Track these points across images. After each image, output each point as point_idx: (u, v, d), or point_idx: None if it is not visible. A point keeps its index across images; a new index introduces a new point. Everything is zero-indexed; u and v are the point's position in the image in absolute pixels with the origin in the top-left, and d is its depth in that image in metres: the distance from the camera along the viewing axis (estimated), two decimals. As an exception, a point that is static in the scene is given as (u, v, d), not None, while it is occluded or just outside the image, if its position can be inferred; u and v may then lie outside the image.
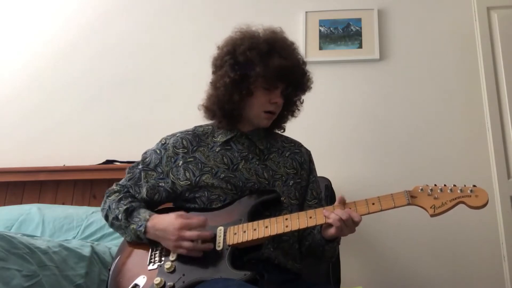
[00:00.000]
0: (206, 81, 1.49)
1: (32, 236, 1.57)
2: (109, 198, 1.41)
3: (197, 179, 1.37)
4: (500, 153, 2.28)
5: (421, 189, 1.22)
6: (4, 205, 2.43)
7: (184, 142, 1.44)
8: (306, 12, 2.70)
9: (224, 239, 1.24)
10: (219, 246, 1.24)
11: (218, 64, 1.44)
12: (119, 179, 1.48)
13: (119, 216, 1.33)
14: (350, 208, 1.22)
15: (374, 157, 2.44)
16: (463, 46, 2.55)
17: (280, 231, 1.23)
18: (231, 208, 1.33)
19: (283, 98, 1.44)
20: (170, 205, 1.47)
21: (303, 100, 1.54)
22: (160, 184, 1.41)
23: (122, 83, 2.75)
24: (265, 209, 1.34)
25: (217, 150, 1.43)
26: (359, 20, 2.67)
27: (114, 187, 1.45)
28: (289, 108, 1.51)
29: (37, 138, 2.68)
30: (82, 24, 2.91)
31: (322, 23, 2.69)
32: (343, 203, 1.24)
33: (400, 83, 2.55)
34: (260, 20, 1.48)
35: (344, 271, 2.05)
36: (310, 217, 1.23)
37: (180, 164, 1.40)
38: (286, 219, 1.25)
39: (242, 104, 1.41)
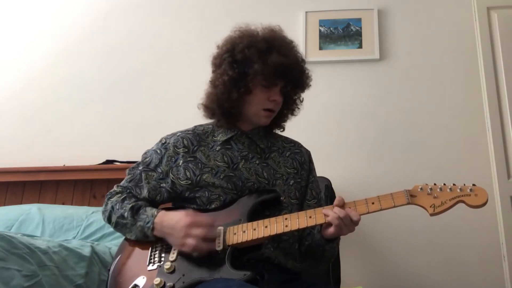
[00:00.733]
0: (206, 81, 1.49)
1: (32, 236, 1.57)
2: (111, 199, 1.40)
3: (198, 178, 1.37)
4: (500, 153, 2.28)
5: (421, 188, 1.22)
6: (4, 205, 2.43)
7: (185, 142, 1.44)
8: (306, 12, 2.71)
9: (224, 239, 1.24)
10: (219, 246, 1.23)
11: (217, 63, 1.44)
12: (119, 179, 1.48)
13: (125, 214, 1.33)
14: (350, 208, 1.22)
15: (374, 157, 2.44)
16: (463, 46, 2.55)
17: (280, 231, 1.23)
18: (230, 208, 1.33)
19: (282, 96, 1.44)
20: (169, 205, 1.47)
21: (303, 98, 1.54)
22: (161, 184, 1.41)
23: (122, 83, 2.76)
24: (264, 209, 1.34)
25: (217, 149, 1.43)
26: (359, 20, 2.67)
27: (115, 188, 1.44)
28: (289, 106, 1.50)
29: (37, 138, 2.69)
30: (82, 24, 2.92)
31: (322, 23, 2.69)
32: (342, 205, 1.24)
33: (400, 83, 2.55)
34: (260, 20, 1.48)
35: (344, 271, 2.05)
36: (310, 217, 1.23)
37: (180, 164, 1.40)
38: (286, 219, 1.24)
39: (241, 102, 1.41)
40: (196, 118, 1.52)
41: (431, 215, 1.19)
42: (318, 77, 1.59)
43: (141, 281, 1.23)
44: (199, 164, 1.39)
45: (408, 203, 1.20)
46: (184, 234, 1.22)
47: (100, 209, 1.43)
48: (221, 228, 1.27)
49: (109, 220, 1.39)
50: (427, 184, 1.22)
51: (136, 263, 1.30)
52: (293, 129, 1.58)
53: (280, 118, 1.51)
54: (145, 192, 1.40)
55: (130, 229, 1.34)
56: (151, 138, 1.55)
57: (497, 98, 2.37)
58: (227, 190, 1.36)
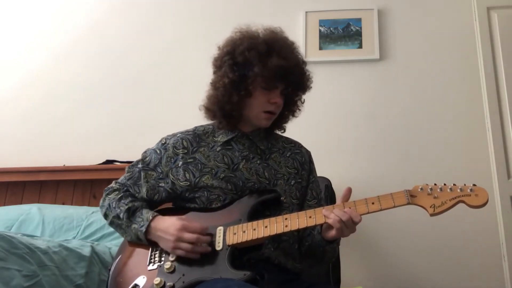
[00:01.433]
0: (206, 81, 1.49)
1: (32, 236, 1.57)
2: (109, 196, 1.41)
3: (197, 180, 1.37)
4: (500, 153, 2.28)
5: (421, 189, 1.22)
6: (4, 205, 2.43)
7: (184, 143, 1.44)
8: (306, 12, 2.70)
9: (224, 239, 1.24)
10: (218, 246, 1.23)
11: (218, 65, 1.44)
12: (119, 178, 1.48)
13: (121, 215, 1.33)
14: (350, 208, 1.22)
15: (374, 157, 2.44)
16: (463, 46, 2.55)
17: (280, 231, 1.23)
18: (230, 208, 1.33)
19: (283, 98, 1.44)
20: (169, 205, 1.47)
21: (304, 100, 1.54)
22: (160, 184, 1.41)
23: (122, 83, 2.76)
24: (265, 209, 1.33)
25: (217, 150, 1.43)
26: (359, 20, 2.67)
27: (113, 185, 1.45)
28: (290, 108, 1.50)
29: (37, 138, 2.69)
30: (82, 24, 2.92)
31: (322, 23, 2.69)
32: (348, 196, 1.24)
33: (400, 83, 2.55)
34: (260, 20, 1.48)
35: (344, 271, 2.05)
36: (310, 217, 1.23)
37: (180, 165, 1.40)
38: (286, 219, 1.24)
39: (242, 104, 1.41)
40: (196, 118, 1.52)
41: (431, 215, 1.18)
42: (318, 77, 1.59)
43: (141, 281, 1.24)
44: (199, 165, 1.39)
45: (408, 203, 1.20)
46: (175, 238, 1.23)
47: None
48: (221, 228, 1.27)
49: (105, 217, 1.40)
50: (427, 184, 1.22)
51: (137, 263, 1.30)
52: (293, 129, 1.58)
53: (281, 120, 1.51)
54: (143, 191, 1.41)
55: (125, 230, 1.35)
56: (151, 138, 1.55)
57: (497, 98, 2.37)
58: (227, 191, 1.36)
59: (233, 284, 1.10)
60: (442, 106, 2.48)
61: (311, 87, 1.50)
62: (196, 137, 1.46)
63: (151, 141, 1.51)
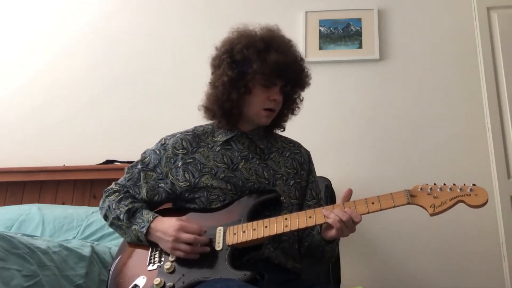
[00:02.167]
0: (205, 81, 1.49)
1: (32, 236, 1.57)
2: (109, 197, 1.41)
3: (196, 180, 1.37)
4: (500, 153, 2.28)
5: (421, 188, 1.22)
6: (4, 205, 2.43)
7: (184, 143, 1.44)
8: (306, 12, 2.71)
9: (224, 239, 1.24)
10: (218, 246, 1.23)
11: (216, 64, 1.44)
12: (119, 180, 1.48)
13: (121, 217, 1.33)
14: (350, 208, 1.22)
15: (374, 157, 2.44)
16: (463, 46, 2.55)
17: (280, 231, 1.23)
18: (230, 208, 1.33)
19: (282, 96, 1.44)
20: (169, 205, 1.47)
21: (303, 98, 1.54)
22: (160, 185, 1.41)
23: (122, 83, 2.76)
24: (264, 209, 1.33)
25: (217, 150, 1.42)
26: (359, 20, 2.67)
27: (113, 186, 1.45)
28: (289, 106, 1.50)
29: (37, 138, 2.69)
30: (82, 24, 2.92)
31: (322, 23, 2.69)
32: (349, 197, 1.24)
33: (400, 83, 2.55)
34: (260, 20, 1.48)
35: (344, 271, 2.05)
36: (310, 217, 1.23)
37: (179, 165, 1.40)
38: (286, 219, 1.24)
39: (241, 102, 1.41)
40: (196, 118, 1.52)
41: (431, 215, 1.18)
42: (318, 77, 1.59)
43: (141, 281, 1.24)
44: (199, 165, 1.39)
45: (408, 203, 1.20)
46: (173, 238, 1.23)
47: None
48: (221, 228, 1.27)
49: (105, 218, 1.41)
50: (427, 184, 1.22)
51: (136, 263, 1.30)
52: (293, 129, 1.58)
53: (280, 118, 1.51)
54: (143, 192, 1.41)
55: (125, 231, 1.35)
56: (151, 138, 1.55)
57: (497, 98, 2.37)
58: (226, 191, 1.36)
59: (233, 284, 1.10)
60: (442, 106, 2.48)
61: (310, 84, 1.50)
62: (195, 137, 1.46)
63: (151, 141, 1.51)
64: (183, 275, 1.21)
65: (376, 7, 2.67)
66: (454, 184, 1.20)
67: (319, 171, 1.64)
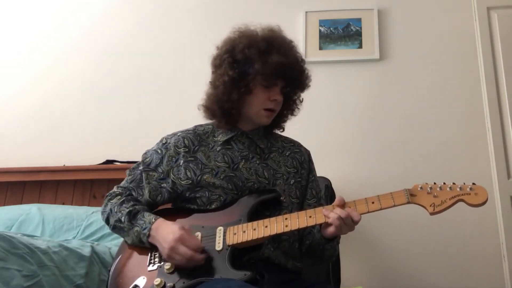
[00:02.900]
0: (206, 81, 1.49)
1: (32, 236, 1.57)
2: (111, 201, 1.39)
3: (198, 178, 1.37)
4: (500, 153, 2.28)
5: (421, 188, 1.22)
6: (4, 205, 2.43)
7: (186, 141, 1.44)
8: (306, 12, 2.71)
9: (224, 239, 1.24)
10: (218, 246, 1.23)
11: (217, 64, 1.44)
12: (119, 179, 1.48)
13: (122, 219, 1.32)
14: (350, 207, 1.22)
15: (374, 156, 2.44)
16: (463, 46, 2.55)
17: (280, 230, 1.23)
18: (230, 208, 1.33)
19: (282, 96, 1.44)
20: (169, 205, 1.46)
21: (302, 98, 1.54)
22: (162, 185, 1.41)
23: (122, 83, 2.76)
24: (264, 208, 1.33)
25: (217, 150, 1.42)
26: (359, 20, 2.67)
27: (115, 189, 1.43)
28: (289, 106, 1.50)
29: (37, 138, 2.69)
30: (82, 24, 2.92)
31: (322, 23, 2.69)
32: (342, 205, 1.24)
33: (400, 83, 2.55)
34: (260, 20, 1.48)
35: (344, 271, 2.05)
36: (310, 217, 1.23)
37: (181, 164, 1.40)
38: (286, 218, 1.24)
39: (241, 102, 1.41)
40: (196, 118, 1.52)
41: (431, 214, 1.19)
42: (318, 77, 1.59)
43: (141, 281, 1.23)
44: (200, 165, 1.39)
45: (408, 202, 1.20)
46: (171, 247, 1.20)
47: (100, 209, 1.43)
48: (221, 228, 1.27)
49: (107, 222, 1.39)
50: (427, 183, 1.22)
51: (137, 263, 1.30)
52: (293, 129, 1.58)
53: (280, 118, 1.51)
54: (146, 193, 1.40)
55: (127, 233, 1.33)
56: (151, 138, 1.54)
57: (497, 98, 2.37)
58: (227, 190, 1.35)
59: (233, 284, 1.10)
60: (442, 106, 2.48)
61: (310, 86, 1.50)
62: (196, 136, 1.46)
63: (151, 141, 1.51)
64: (183, 275, 1.20)
65: (376, 7, 2.67)
66: (454, 183, 1.21)
67: (319, 171, 1.64)
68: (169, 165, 1.41)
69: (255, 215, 1.29)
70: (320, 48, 2.65)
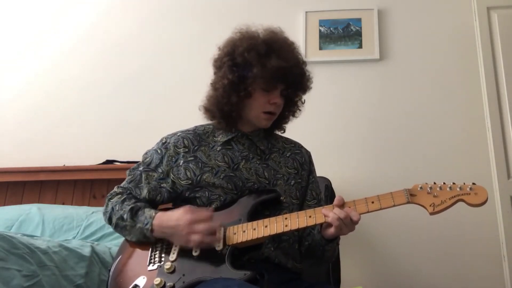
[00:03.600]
0: (206, 81, 1.49)
1: (32, 236, 1.57)
2: (111, 200, 1.40)
3: (198, 178, 1.37)
4: (500, 153, 2.28)
5: (421, 187, 1.22)
6: (4, 205, 2.43)
7: (185, 142, 1.44)
8: (306, 12, 2.71)
9: (224, 239, 1.24)
10: (219, 246, 1.23)
11: (218, 65, 1.45)
12: (119, 179, 1.48)
13: (124, 216, 1.33)
14: (350, 207, 1.22)
15: (374, 157, 2.44)
16: (463, 46, 2.55)
17: (280, 230, 1.23)
18: (230, 208, 1.33)
19: (283, 99, 1.44)
20: (170, 205, 1.46)
21: (304, 100, 1.53)
22: (162, 185, 1.41)
23: (122, 83, 2.76)
24: (264, 208, 1.34)
25: (218, 150, 1.43)
26: (359, 20, 2.67)
27: (115, 189, 1.43)
28: (290, 108, 1.50)
29: (37, 138, 2.69)
30: (82, 24, 2.92)
31: (322, 23, 2.69)
32: (342, 204, 1.24)
33: (400, 83, 2.55)
34: (260, 20, 1.48)
35: (344, 271, 2.05)
36: (310, 217, 1.23)
37: (181, 164, 1.40)
38: (286, 218, 1.24)
39: (241, 105, 1.41)
40: (196, 118, 1.52)
41: (431, 214, 1.19)
42: (318, 77, 1.59)
43: (141, 281, 1.24)
44: (200, 164, 1.39)
45: (408, 202, 1.20)
46: (187, 231, 1.21)
47: (100, 209, 1.44)
48: (221, 228, 1.27)
49: (109, 221, 1.39)
50: (426, 183, 1.23)
51: (137, 263, 1.30)
52: (293, 129, 1.58)
53: (281, 120, 1.51)
54: (145, 193, 1.40)
55: (130, 231, 1.34)
56: (151, 138, 1.55)
57: (497, 98, 2.37)
58: (227, 190, 1.36)
59: (233, 283, 1.10)
60: (442, 106, 2.48)
61: (311, 87, 1.50)
62: (196, 136, 1.46)
63: (151, 141, 1.51)
64: (183, 275, 1.21)
65: (376, 7, 2.67)
66: (453, 183, 1.21)
67: (319, 171, 1.65)
68: (168, 165, 1.41)
69: (255, 215, 1.29)
70: (320, 48, 2.65)
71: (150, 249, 1.31)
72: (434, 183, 1.22)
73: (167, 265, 1.23)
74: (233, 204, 1.34)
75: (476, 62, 2.48)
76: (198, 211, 1.26)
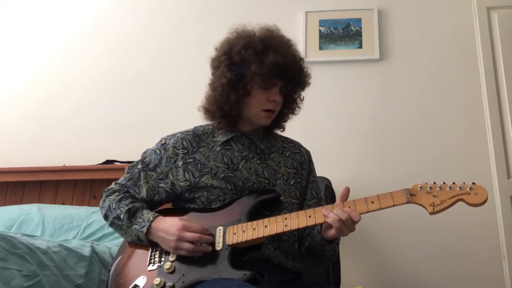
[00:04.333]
0: (206, 81, 1.49)
1: (32, 236, 1.57)
2: (109, 197, 1.41)
3: (197, 180, 1.37)
4: (500, 153, 2.28)
5: (420, 187, 1.22)
6: (4, 205, 2.43)
7: (184, 143, 1.44)
8: (306, 12, 2.71)
9: (224, 239, 1.24)
10: (218, 246, 1.23)
11: (215, 65, 1.45)
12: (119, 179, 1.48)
13: (121, 216, 1.33)
14: (349, 207, 1.22)
15: (373, 156, 2.44)
16: (463, 46, 2.55)
17: (280, 230, 1.23)
18: (230, 208, 1.33)
19: (282, 96, 1.44)
20: (169, 205, 1.47)
21: (303, 97, 1.53)
22: (160, 184, 1.41)
23: (122, 83, 2.76)
24: (264, 208, 1.34)
25: (217, 150, 1.43)
26: (359, 20, 2.67)
27: (113, 186, 1.45)
28: (289, 106, 1.50)
29: (37, 138, 2.69)
30: (82, 25, 2.92)
31: (322, 23, 2.69)
32: (347, 195, 1.24)
33: (400, 83, 2.55)
34: (260, 20, 1.48)
35: (344, 271, 2.05)
36: (309, 216, 1.23)
37: (179, 165, 1.40)
38: (286, 218, 1.24)
39: (240, 104, 1.41)
40: (196, 118, 1.52)
41: (431, 214, 1.19)
42: (318, 77, 1.59)
43: (141, 281, 1.24)
44: (199, 165, 1.39)
45: (408, 202, 1.20)
46: (177, 237, 1.23)
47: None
48: (221, 228, 1.27)
49: (106, 218, 1.40)
50: (426, 183, 1.22)
51: (137, 263, 1.30)
52: (293, 129, 1.58)
53: (280, 118, 1.51)
54: (143, 192, 1.41)
55: (126, 231, 1.35)
56: (151, 138, 1.55)
57: (497, 98, 2.37)
58: (226, 191, 1.36)
59: (233, 284, 1.10)
60: (442, 106, 2.48)
61: (310, 83, 1.50)
62: (196, 137, 1.46)
63: (151, 141, 1.51)
64: (183, 275, 1.21)
65: (376, 7, 2.67)
66: (453, 183, 1.21)
67: (319, 171, 1.64)
68: (167, 166, 1.41)
69: (255, 215, 1.29)
70: (320, 48, 2.65)
71: (150, 249, 1.31)
72: (434, 182, 1.22)
73: (167, 265, 1.23)
74: (233, 204, 1.34)
75: (476, 62, 2.47)
76: (192, 221, 1.27)
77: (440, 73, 2.53)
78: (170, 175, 1.40)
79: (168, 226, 1.26)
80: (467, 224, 2.24)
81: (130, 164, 1.48)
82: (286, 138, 1.57)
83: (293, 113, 1.53)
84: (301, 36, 2.64)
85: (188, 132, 1.48)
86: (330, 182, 2.14)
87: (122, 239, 1.42)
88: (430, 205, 1.18)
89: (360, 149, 2.46)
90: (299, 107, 1.53)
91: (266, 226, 1.23)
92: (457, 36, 2.58)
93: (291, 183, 1.44)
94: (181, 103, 2.56)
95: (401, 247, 2.29)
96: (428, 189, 1.21)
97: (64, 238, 1.92)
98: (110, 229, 1.79)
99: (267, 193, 1.35)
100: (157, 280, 1.20)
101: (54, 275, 1.38)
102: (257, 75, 1.36)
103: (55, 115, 2.74)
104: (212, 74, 1.47)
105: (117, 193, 1.41)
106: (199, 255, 1.23)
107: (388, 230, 2.30)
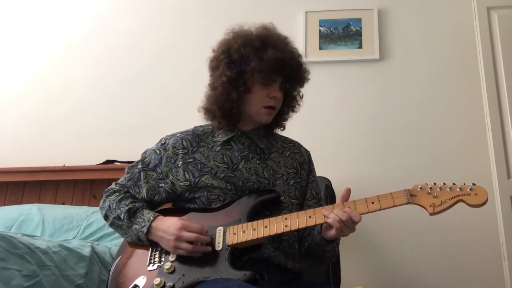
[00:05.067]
0: (206, 81, 1.49)
1: (32, 236, 1.57)
2: (109, 197, 1.41)
3: (197, 180, 1.37)
4: (500, 153, 2.28)
5: (421, 188, 1.22)
6: (4, 205, 2.43)
7: (184, 143, 1.44)
8: (306, 12, 2.70)
9: (224, 239, 1.24)
10: (218, 246, 1.24)
11: (214, 65, 1.45)
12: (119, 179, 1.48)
13: (121, 216, 1.34)
14: (350, 208, 1.22)
15: (373, 157, 2.44)
16: (463, 46, 2.55)
17: (280, 230, 1.23)
18: (230, 208, 1.33)
19: (282, 93, 1.44)
20: (169, 205, 1.47)
21: (302, 94, 1.53)
22: (160, 184, 1.41)
23: (122, 84, 2.76)
24: (264, 209, 1.34)
25: (217, 150, 1.43)
26: (359, 20, 2.67)
27: (113, 186, 1.45)
28: (289, 103, 1.50)
29: (37, 138, 2.69)
30: (82, 25, 2.92)
31: (322, 23, 2.69)
32: (348, 196, 1.24)
33: (400, 83, 2.55)
34: (260, 20, 1.48)
35: (344, 271, 2.05)
36: (310, 217, 1.23)
37: (179, 165, 1.40)
38: (286, 218, 1.24)
39: (241, 101, 1.41)
40: (196, 118, 1.52)
41: (431, 214, 1.18)
42: (318, 77, 1.59)
43: (141, 281, 1.24)
44: (199, 165, 1.39)
45: (408, 203, 1.20)
46: (175, 237, 1.23)
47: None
48: (221, 228, 1.27)
49: (106, 218, 1.41)
50: (427, 184, 1.22)
51: (137, 263, 1.30)
52: (293, 129, 1.58)
53: (281, 116, 1.51)
54: (144, 192, 1.41)
55: (126, 231, 1.35)
56: (151, 138, 1.55)
57: (497, 98, 2.37)
58: (226, 191, 1.36)
59: (233, 284, 1.10)
60: (442, 106, 2.47)
61: (309, 80, 1.50)
62: (195, 137, 1.46)
63: (151, 141, 1.51)
64: (183, 275, 1.21)
65: (376, 7, 2.67)
66: (454, 184, 1.21)
67: (319, 171, 1.64)
68: (167, 166, 1.41)
69: (255, 215, 1.30)
70: (320, 48, 2.65)
71: (150, 249, 1.31)
72: (434, 183, 1.22)
73: (167, 265, 1.23)
74: (233, 204, 1.34)
75: (476, 62, 2.47)
76: (192, 221, 1.28)
77: (440, 73, 2.53)
78: (170, 175, 1.40)
79: (168, 226, 1.26)
80: (467, 224, 2.24)
81: (130, 164, 1.48)
82: (286, 138, 1.57)
83: (293, 110, 1.53)
84: (301, 36, 2.64)
85: (188, 132, 1.49)
86: (330, 182, 2.14)
87: (122, 239, 1.42)
88: (430, 206, 1.18)
89: (360, 149, 2.46)
90: (299, 105, 1.53)
91: (266, 227, 1.24)
92: (457, 36, 2.58)
93: (291, 183, 1.44)
94: (181, 103, 2.56)
95: (401, 247, 2.29)
96: (429, 189, 1.21)
97: (64, 238, 1.92)
98: (110, 229, 1.79)
99: (267, 193, 1.35)
100: (157, 280, 1.20)
101: (54, 275, 1.38)
102: (257, 72, 1.37)
103: (55, 115, 2.74)
104: (211, 75, 1.47)
105: (117, 193, 1.41)
106: (198, 255, 1.23)
107: (388, 231, 2.30)
